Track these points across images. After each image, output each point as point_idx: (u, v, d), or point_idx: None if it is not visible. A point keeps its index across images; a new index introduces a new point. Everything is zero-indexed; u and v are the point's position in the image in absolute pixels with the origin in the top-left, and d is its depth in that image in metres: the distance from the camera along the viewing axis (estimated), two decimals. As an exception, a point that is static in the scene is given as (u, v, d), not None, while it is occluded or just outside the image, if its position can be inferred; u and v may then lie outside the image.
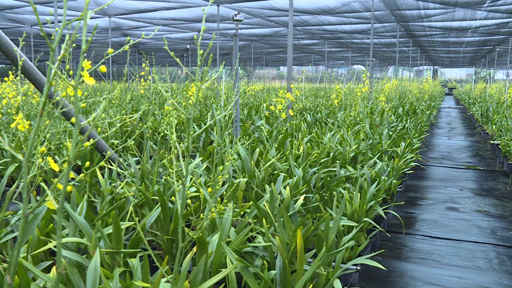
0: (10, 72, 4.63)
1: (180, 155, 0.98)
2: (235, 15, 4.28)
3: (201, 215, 1.31)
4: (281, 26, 15.00)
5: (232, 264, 1.57)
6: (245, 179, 2.58)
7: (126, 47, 1.14)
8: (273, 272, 1.67)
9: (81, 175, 1.18)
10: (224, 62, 1.17)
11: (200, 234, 1.36)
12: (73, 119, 1.09)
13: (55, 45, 0.70)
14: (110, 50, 1.14)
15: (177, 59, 0.92)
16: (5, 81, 4.77)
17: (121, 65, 36.17)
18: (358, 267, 2.31)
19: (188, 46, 19.36)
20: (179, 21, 13.93)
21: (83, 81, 1.13)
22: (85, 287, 1.54)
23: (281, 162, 3.32)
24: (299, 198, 2.42)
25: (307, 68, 39.56)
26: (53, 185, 0.77)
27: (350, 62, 32.72)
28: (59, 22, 13.08)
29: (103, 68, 1.25)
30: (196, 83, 0.90)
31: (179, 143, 4.56)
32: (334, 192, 2.69)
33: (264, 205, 2.29)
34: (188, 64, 28.63)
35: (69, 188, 1.09)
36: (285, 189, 2.47)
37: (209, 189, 1.33)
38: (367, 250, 2.87)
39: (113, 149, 4.04)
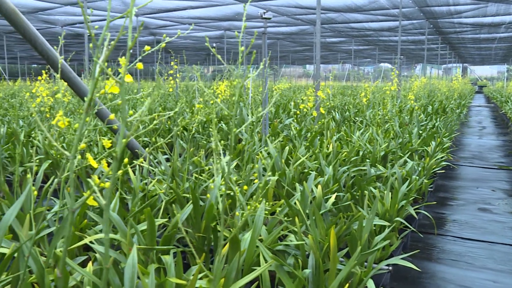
0: (43, 71, 4.74)
1: (221, 153, 0.98)
2: (264, 13, 4.27)
3: (237, 213, 1.31)
4: (307, 24, 14.92)
5: (265, 262, 1.56)
6: (276, 177, 2.58)
7: (163, 44, 1.15)
8: (307, 271, 1.66)
9: (120, 172, 1.20)
10: (264, 60, 1.17)
11: (236, 233, 1.37)
12: (112, 116, 1.10)
13: (100, 42, 0.71)
14: (147, 47, 1.15)
15: (219, 56, 0.92)
16: (39, 80, 4.89)
17: (147, 64, 36.66)
18: (390, 268, 2.28)
19: (214, 45, 19.45)
20: (206, 19, 14.02)
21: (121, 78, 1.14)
22: (120, 282, 1.56)
23: (310, 160, 3.30)
24: (330, 197, 2.40)
25: (333, 66, 39.29)
26: (99, 181, 0.78)
27: (377, 60, 32.34)
28: (88, 22, 13.31)
29: (139, 66, 1.26)
30: (238, 80, 0.90)
31: (206, 141, 4.58)
32: (365, 191, 2.66)
33: (295, 203, 2.28)
34: (214, 62, 28.78)
35: (107, 184, 1.10)
36: (316, 187, 2.46)
37: (245, 187, 1.33)
38: (398, 250, 2.83)
39: (142, 146, 4.09)
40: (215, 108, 4.35)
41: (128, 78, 1.15)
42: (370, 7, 11.70)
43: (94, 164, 1.15)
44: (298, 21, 14.25)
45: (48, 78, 4.84)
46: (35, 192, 1.41)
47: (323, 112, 4.00)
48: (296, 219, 1.90)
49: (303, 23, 14.56)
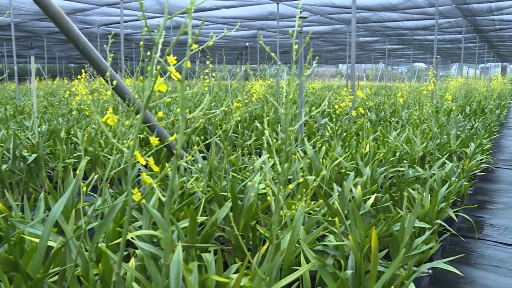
0: (82, 70, 4.87)
1: (274, 150, 0.98)
2: (300, 12, 4.25)
3: (281, 213, 1.31)
4: (341, 24, 14.79)
5: (306, 262, 1.56)
6: (314, 177, 2.56)
7: (210, 42, 1.16)
8: (348, 272, 1.64)
9: (171, 170, 1.21)
10: (317, 58, 1.16)
11: (279, 232, 1.36)
12: (160, 114, 1.11)
13: (158, 39, 0.72)
14: (195, 46, 1.16)
15: (273, 55, 0.91)
16: (78, 79, 5.02)
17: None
18: (430, 271, 2.23)
19: (247, 44, 19.52)
20: (239, 19, 14.08)
21: (168, 76, 1.15)
22: (161, 278, 1.58)
23: (346, 160, 3.27)
24: (369, 198, 2.37)
25: (367, 66, 38.83)
26: (157, 179, 0.79)
27: (411, 60, 31.77)
28: (125, 22, 13.58)
29: (187, 64, 1.27)
30: (293, 78, 0.90)
31: (242, 140, 4.59)
32: (404, 193, 2.62)
33: (333, 203, 2.26)
34: (247, 61, 28.91)
35: (155, 181, 1.11)
36: (354, 187, 2.43)
37: (289, 186, 1.33)
38: (438, 253, 2.77)
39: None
40: (250, 108, 4.38)
41: (177, 75, 1.16)
42: (406, 5, 11.50)
43: (142, 161, 1.17)
44: (332, 20, 14.15)
45: (87, 77, 4.96)
46: (84, 189, 1.44)
47: (362, 111, 3.95)
48: (336, 219, 1.88)
49: (336, 22, 14.44)
